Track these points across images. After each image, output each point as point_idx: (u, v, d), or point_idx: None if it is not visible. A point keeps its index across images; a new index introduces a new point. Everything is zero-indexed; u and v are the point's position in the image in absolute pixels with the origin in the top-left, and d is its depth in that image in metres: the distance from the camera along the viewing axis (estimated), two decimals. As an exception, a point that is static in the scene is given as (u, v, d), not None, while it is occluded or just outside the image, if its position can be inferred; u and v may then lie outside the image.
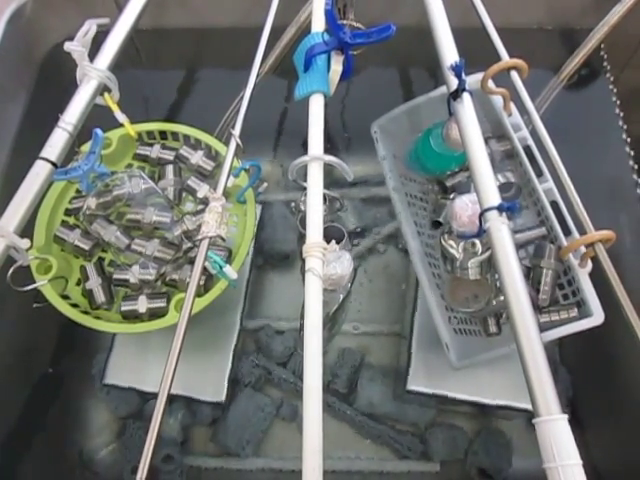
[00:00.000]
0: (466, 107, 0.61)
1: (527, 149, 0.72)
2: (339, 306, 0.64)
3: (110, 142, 0.74)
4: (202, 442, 0.86)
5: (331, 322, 0.68)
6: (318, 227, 0.56)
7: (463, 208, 0.60)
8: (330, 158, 0.59)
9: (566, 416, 0.42)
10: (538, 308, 0.71)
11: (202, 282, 0.68)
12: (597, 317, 0.61)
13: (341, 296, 0.64)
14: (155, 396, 0.84)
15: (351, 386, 0.88)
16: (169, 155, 0.75)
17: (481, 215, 0.55)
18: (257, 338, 0.91)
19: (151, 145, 0.76)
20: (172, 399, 0.84)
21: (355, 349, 0.91)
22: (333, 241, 0.57)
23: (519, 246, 0.75)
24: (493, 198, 0.54)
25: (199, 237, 0.55)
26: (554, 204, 0.69)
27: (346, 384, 0.88)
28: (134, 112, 0.76)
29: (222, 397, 0.79)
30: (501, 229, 0.52)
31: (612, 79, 0.88)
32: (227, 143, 0.74)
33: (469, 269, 0.63)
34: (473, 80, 0.70)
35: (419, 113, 0.77)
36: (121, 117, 0.70)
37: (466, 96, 0.61)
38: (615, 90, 0.87)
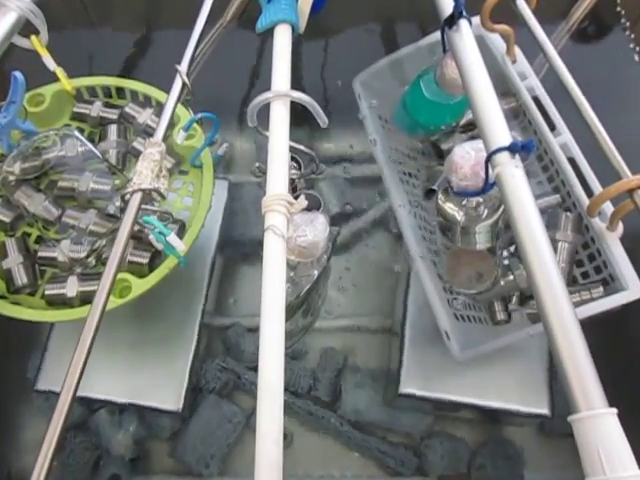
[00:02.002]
0: (464, 36, 0.50)
1: (536, 101, 0.61)
2: (313, 285, 0.52)
3: (43, 99, 0.62)
4: (159, 459, 0.73)
5: (304, 306, 0.56)
6: (282, 176, 0.44)
7: (464, 157, 0.48)
8: (299, 95, 0.48)
9: (615, 410, 0.31)
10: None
11: (146, 260, 0.56)
12: (634, 290, 0.50)
13: (316, 272, 0.52)
14: (104, 404, 0.73)
15: (335, 392, 0.76)
16: (112, 114, 0.64)
17: (487, 161, 0.43)
18: (225, 337, 0.79)
19: (91, 103, 0.64)
20: (122, 409, 0.72)
21: (339, 349, 0.79)
22: (302, 196, 0.45)
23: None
24: (502, 137, 0.43)
25: (128, 189, 0.43)
26: (571, 162, 0.57)
27: (329, 390, 0.76)
28: (80, 73, 0.65)
29: (179, 405, 0.67)
30: (514, 174, 0.41)
31: (628, 24, 0.77)
32: (185, 104, 0.63)
33: (477, 236, 0.51)
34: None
35: (406, 65, 0.66)
36: (51, 64, 0.59)
37: (464, 23, 0.50)
38: (633, 36, 0.76)
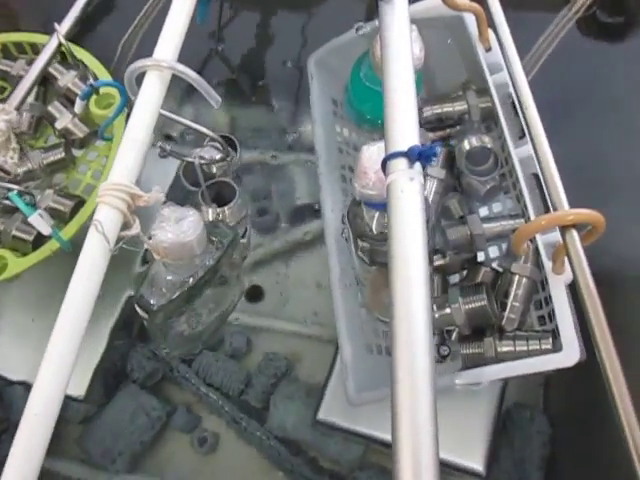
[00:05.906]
0: (396, 8, 0.40)
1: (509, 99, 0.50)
2: (190, 290, 0.45)
3: (-38, 55, 0.58)
4: (67, 443, 0.69)
5: (187, 312, 0.49)
6: (129, 162, 0.37)
7: (371, 160, 0.39)
8: (184, 69, 0.40)
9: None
10: (500, 331, 0.50)
11: (30, 237, 0.50)
12: (568, 354, 0.39)
13: (191, 279, 0.45)
14: (21, 384, 0.70)
15: (267, 401, 0.69)
16: (35, 73, 0.58)
17: (384, 166, 0.35)
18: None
19: (16, 60, 0.59)
20: (30, 387, 0.68)
21: (283, 354, 0.72)
22: (157, 187, 0.37)
23: (488, 240, 0.53)
24: (403, 139, 0.34)
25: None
26: (535, 178, 0.46)
27: (261, 397, 0.69)
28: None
29: (82, 391, 0.62)
30: (404, 189, 0.32)
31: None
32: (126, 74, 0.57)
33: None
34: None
35: (370, 43, 0.56)
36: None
37: (398, -7, 0.40)
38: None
